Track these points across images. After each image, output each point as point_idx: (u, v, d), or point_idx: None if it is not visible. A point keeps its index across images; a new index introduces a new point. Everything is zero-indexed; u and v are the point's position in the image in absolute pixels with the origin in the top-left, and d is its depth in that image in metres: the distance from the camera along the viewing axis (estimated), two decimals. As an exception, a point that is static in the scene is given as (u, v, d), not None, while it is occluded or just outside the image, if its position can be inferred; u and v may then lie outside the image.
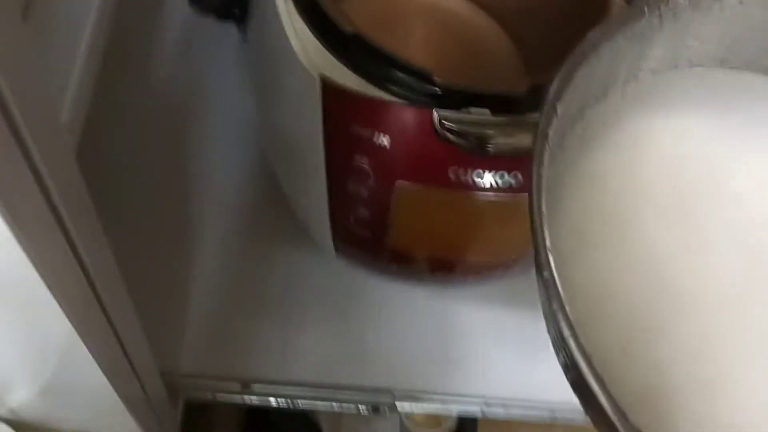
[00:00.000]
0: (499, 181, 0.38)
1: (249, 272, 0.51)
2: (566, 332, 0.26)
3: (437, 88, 0.39)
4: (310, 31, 0.40)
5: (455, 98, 0.39)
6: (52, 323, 0.25)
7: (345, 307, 0.50)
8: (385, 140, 0.37)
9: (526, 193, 0.39)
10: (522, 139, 0.37)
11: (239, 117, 0.57)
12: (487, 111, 0.38)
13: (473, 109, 0.38)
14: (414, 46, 0.53)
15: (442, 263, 0.43)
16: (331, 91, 0.38)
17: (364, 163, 0.38)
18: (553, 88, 0.31)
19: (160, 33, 0.60)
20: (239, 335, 0.50)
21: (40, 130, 0.19)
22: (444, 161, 0.37)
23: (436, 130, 0.37)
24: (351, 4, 0.54)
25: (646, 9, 0.34)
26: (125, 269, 0.32)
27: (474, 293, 0.50)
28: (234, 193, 0.54)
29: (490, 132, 0.37)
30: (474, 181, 0.38)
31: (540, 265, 0.27)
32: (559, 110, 0.31)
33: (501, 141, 0.37)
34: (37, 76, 0.20)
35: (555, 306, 0.26)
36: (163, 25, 0.61)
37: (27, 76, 0.19)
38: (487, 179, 0.38)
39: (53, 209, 0.21)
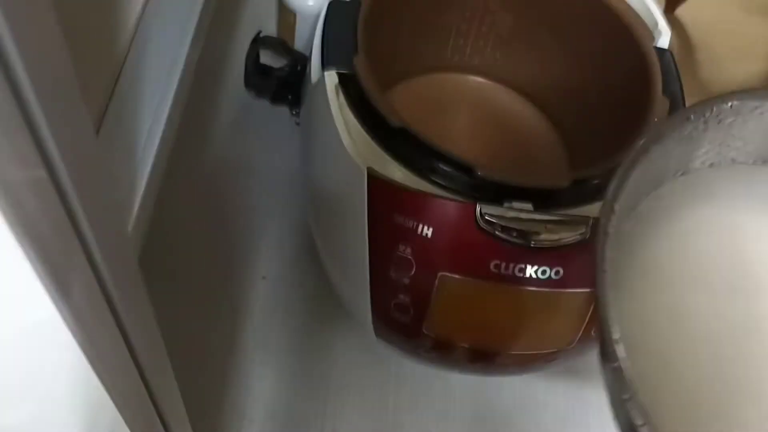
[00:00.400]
0: (542, 276, 0.38)
1: (292, 348, 0.52)
2: (638, 421, 0.26)
3: (480, 182, 0.39)
4: (359, 123, 0.41)
5: (498, 191, 0.40)
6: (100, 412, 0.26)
7: (383, 386, 0.51)
8: (428, 231, 0.38)
9: (569, 288, 0.39)
10: (565, 235, 0.38)
11: (288, 196, 0.58)
12: (529, 205, 0.39)
13: (516, 203, 0.39)
14: (458, 135, 0.55)
15: (482, 353, 0.43)
16: (376, 183, 0.39)
17: (406, 252, 0.39)
18: (610, 189, 0.32)
19: (216, 114, 0.63)
20: (280, 410, 0.50)
21: (106, 242, 0.20)
22: (486, 255, 0.38)
23: (478, 224, 0.38)
24: (398, 93, 0.56)
25: (692, 116, 0.35)
26: (169, 345, 0.32)
27: (514, 378, 0.50)
28: (279, 268, 0.55)
29: (533, 227, 0.37)
30: (516, 275, 0.38)
31: (608, 356, 0.28)
32: (616, 209, 0.32)
33: (544, 237, 0.37)
34: (107, 188, 0.21)
35: (625, 396, 0.26)
36: (220, 106, 0.64)
37: (98, 188, 0.21)
38: (530, 273, 0.38)
39: (114, 314, 0.22)
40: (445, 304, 0.40)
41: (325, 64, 0.43)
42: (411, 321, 0.41)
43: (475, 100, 0.58)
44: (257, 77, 0.61)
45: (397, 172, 0.40)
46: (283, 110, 0.60)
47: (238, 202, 0.58)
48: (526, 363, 0.44)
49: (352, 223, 0.41)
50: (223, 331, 0.53)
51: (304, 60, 0.59)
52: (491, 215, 0.37)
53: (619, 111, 0.50)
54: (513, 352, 0.42)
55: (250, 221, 0.57)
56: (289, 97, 0.60)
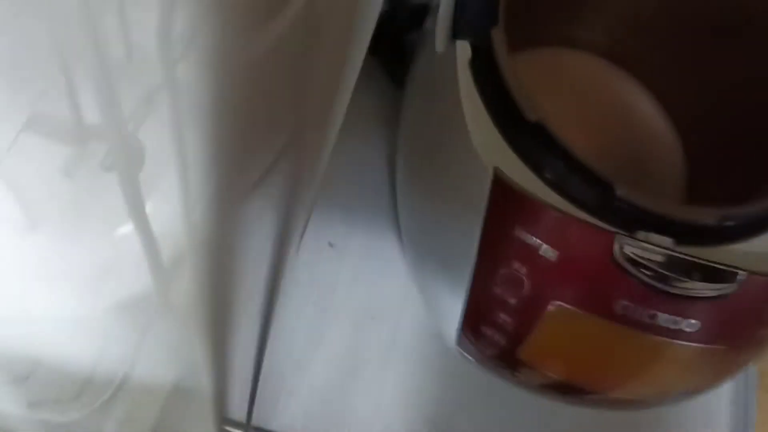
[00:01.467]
0: (673, 326, 0.33)
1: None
2: None
3: (614, 202, 0.34)
4: (487, 111, 0.36)
5: (633, 217, 0.34)
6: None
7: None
8: (552, 254, 0.33)
9: (698, 343, 0.34)
10: (712, 286, 0.32)
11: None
12: (669, 240, 0.34)
13: (654, 236, 0.33)
14: (563, 124, 0.49)
15: (576, 389, 0.38)
16: (502, 187, 0.33)
17: (521, 272, 0.34)
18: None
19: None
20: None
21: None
22: (615, 292, 0.33)
23: (614, 257, 0.32)
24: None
25: None
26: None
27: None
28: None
29: (678, 270, 0.32)
30: (644, 320, 0.33)
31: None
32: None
33: (690, 285, 0.32)
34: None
35: None
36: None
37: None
38: (661, 321, 0.33)
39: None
40: (552, 334, 0.35)
41: (457, 32, 0.37)
42: (506, 343, 0.36)
43: (591, 84, 0.52)
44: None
45: (524, 177, 0.35)
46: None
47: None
48: (619, 405, 0.39)
49: (460, 225, 0.36)
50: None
51: (409, 8, 0.52)
52: (633, 250, 0.32)
53: (752, 134, 0.43)
54: (610, 394, 0.37)
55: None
56: (389, 53, 0.54)
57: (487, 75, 0.36)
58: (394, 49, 0.53)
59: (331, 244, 0.50)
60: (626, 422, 0.47)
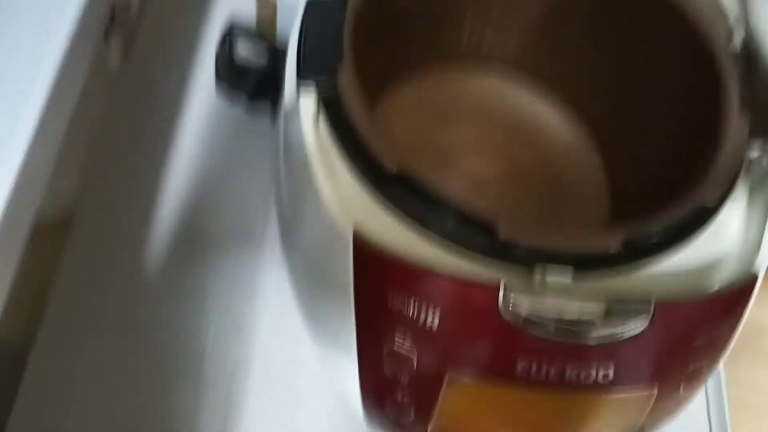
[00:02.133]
0: (585, 380, 0.29)
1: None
2: None
3: (502, 245, 0.30)
4: (345, 161, 0.31)
5: (527, 255, 0.30)
6: None
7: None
8: (433, 320, 0.29)
9: (618, 392, 0.30)
10: (621, 329, 0.28)
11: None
12: (568, 277, 0.29)
13: (551, 273, 0.29)
14: (467, 152, 0.44)
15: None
16: (365, 250, 0.29)
17: (404, 345, 0.29)
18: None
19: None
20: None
21: None
22: (512, 353, 0.28)
23: (504, 313, 0.28)
24: (396, 96, 0.46)
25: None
26: None
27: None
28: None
29: (579, 319, 0.28)
30: (550, 379, 0.28)
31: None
32: None
33: (595, 334, 0.28)
34: None
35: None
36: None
37: None
38: (569, 376, 0.28)
39: None
40: (458, 409, 0.31)
41: (300, 84, 0.33)
42: (413, 421, 0.32)
43: (492, 102, 0.48)
44: (230, 74, 0.50)
45: (393, 231, 0.30)
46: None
47: (209, 228, 0.48)
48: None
49: (335, 298, 0.31)
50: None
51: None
52: (524, 302, 0.28)
53: (681, 132, 0.39)
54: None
55: (221, 252, 0.47)
56: (273, 95, 0.49)
57: (339, 123, 0.32)
58: (271, 105, 0.50)
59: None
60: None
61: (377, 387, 0.32)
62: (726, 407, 0.46)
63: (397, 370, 0.30)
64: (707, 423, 0.45)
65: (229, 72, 0.50)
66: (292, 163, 0.34)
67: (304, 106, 0.32)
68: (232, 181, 0.50)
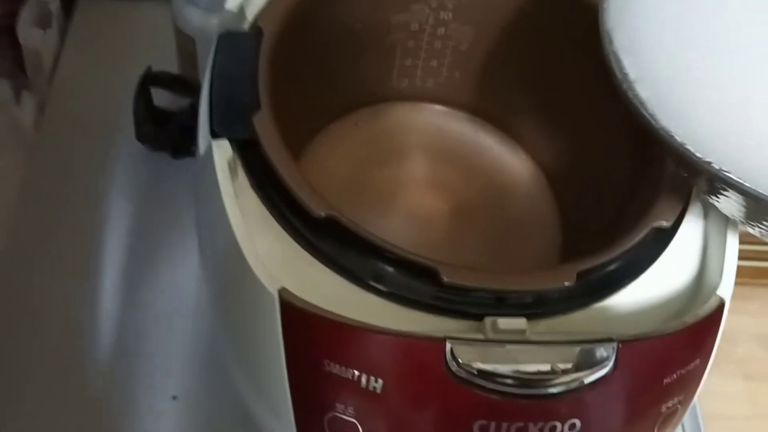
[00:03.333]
0: (550, 434, 0.26)
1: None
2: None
3: (447, 292, 0.27)
4: (268, 211, 0.28)
5: (475, 302, 0.27)
6: None
7: None
8: (375, 384, 0.25)
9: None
10: (584, 373, 0.25)
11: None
12: (522, 322, 0.26)
13: (503, 321, 0.26)
14: (411, 191, 0.41)
15: None
16: (294, 313, 0.26)
17: (348, 413, 0.26)
18: None
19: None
20: None
21: None
22: (466, 413, 0.25)
23: (453, 370, 0.25)
24: (330, 138, 0.43)
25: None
26: None
27: None
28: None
29: (537, 371, 0.25)
30: (512, 439, 0.25)
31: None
32: None
33: (555, 382, 0.25)
34: None
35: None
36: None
37: None
38: (532, 433, 0.26)
39: None
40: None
41: (213, 130, 0.30)
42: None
43: (433, 137, 0.45)
44: (151, 125, 0.47)
45: (324, 285, 0.27)
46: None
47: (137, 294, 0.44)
48: None
49: (266, 368, 0.28)
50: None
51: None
52: (469, 357, 0.25)
53: (630, 155, 0.37)
54: None
55: (151, 322, 0.43)
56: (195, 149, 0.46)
57: (258, 171, 0.29)
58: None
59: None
60: None
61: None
62: (700, 418, 0.43)
63: (341, 441, 0.26)
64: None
65: (150, 123, 0.47)
66: (210, 216, 0.30)
67: (218, 157, 0.29)
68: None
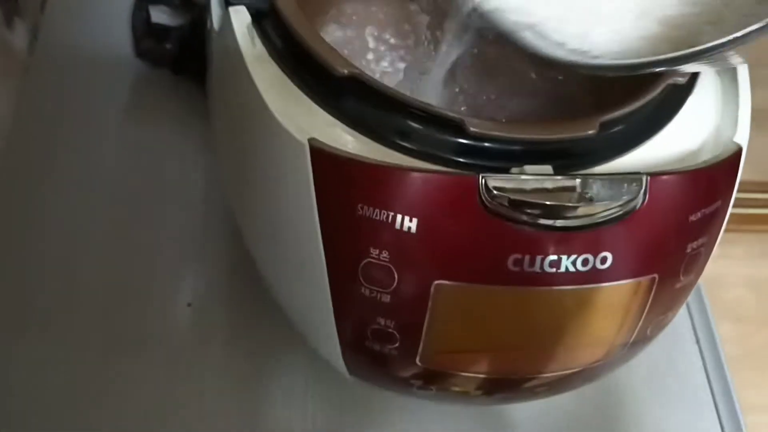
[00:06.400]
0: (582, 267, 0.26)
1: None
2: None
3: (473, 143, 0.27)
4: (287, 76, 0.28)
5: (501, 155, 0.27)
6: None
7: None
8: (410, 224, 0.25)
9: (619, 280, 0.27)
10: (612, 204, 0.26)
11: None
12: (548, 168, 0.27)
13: (529, 168, 0.27)
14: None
15: (502, 383, 0.30)
16: (325, 160, 0.26)
17: (382, 257, 0.26)
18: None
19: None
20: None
21: None
22: (501, 248, 0.25)
23: (485, 204, 0.25)
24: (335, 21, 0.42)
25: None
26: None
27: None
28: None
29: (564, 199, 0.25)
30: (546, 272, 0.26)
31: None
32: None
33: (583, 211, 0.25)
34: None
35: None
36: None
37: None
38: (566, 266, 0.26)
39: None
40: (446, 324, 0.28)
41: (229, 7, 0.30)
42: (398, 352, 0.29)
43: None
44: (150, 41, 0.47)
45: (353, 143, 0.27)
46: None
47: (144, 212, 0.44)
48: (558, 386, 0.32)
49: (296, 223, 0.28)
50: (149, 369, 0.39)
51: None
52: (502, 188, 0.25)
53: None
54: (545, 376, 0.30)
55: (162, 236, 0.43)
56: (193, 65, 0.46)
57: (278, 36, 0.29)
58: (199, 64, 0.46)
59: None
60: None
61: (355, 315, 0.28)
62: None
63: (375, 287, 0.27)
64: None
65: (148, 39, 0.46)
66: (230, 89, 0.30)
67: (237, 24, 0.29)
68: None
